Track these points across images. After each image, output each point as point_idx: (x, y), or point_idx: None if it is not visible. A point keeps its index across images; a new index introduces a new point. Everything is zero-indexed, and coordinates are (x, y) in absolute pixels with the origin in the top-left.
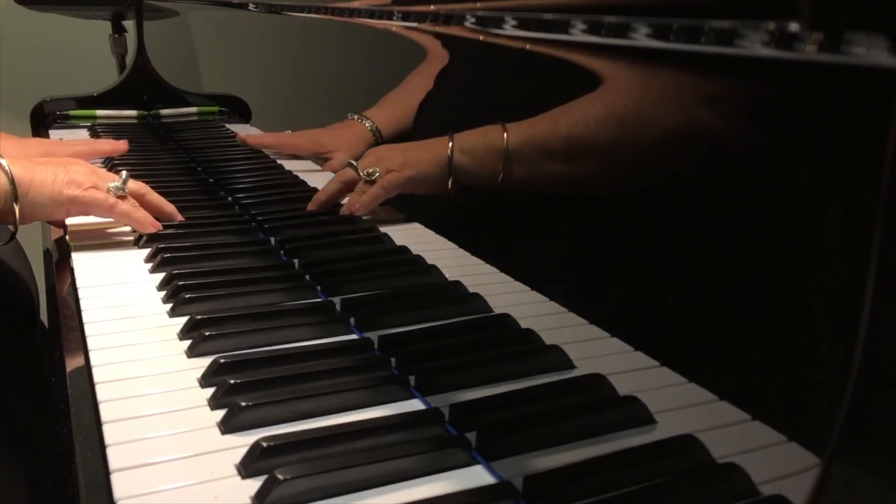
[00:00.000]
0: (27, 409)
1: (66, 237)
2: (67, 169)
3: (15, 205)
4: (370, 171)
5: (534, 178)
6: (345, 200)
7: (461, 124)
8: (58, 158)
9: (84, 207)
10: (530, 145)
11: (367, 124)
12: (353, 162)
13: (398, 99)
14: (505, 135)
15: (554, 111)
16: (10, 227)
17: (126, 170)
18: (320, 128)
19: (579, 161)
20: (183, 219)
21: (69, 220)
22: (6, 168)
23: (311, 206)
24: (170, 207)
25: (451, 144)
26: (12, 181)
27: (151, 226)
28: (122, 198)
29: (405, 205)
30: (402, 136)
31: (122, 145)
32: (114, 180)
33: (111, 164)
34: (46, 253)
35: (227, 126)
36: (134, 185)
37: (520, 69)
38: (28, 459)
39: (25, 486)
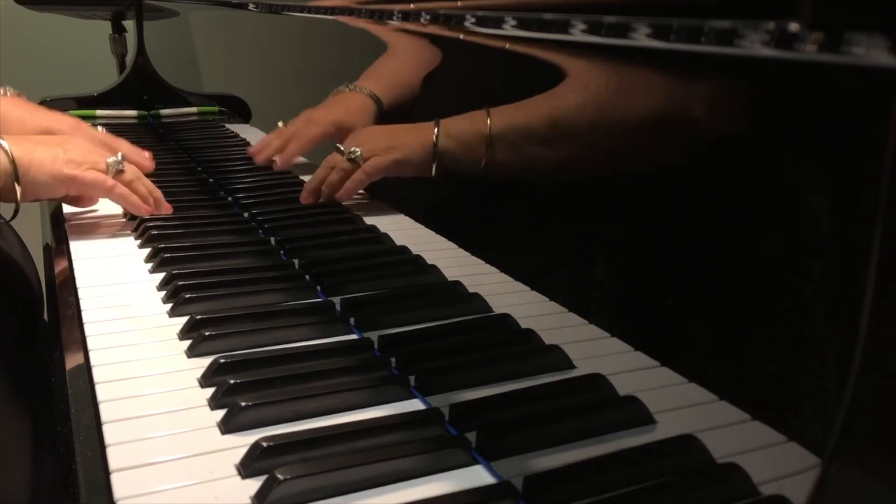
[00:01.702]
0: (30, 403)
1: (66, 230)
2: (65, 148)
3: (16, 184)
4: (352, 149)
5: (518, 163)
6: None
7: (451, 93)
8: (55, 137)
9: (83, 187)
10: (513, 129)
11: (362, 92)
12: (340, 146)
13: (388, 68)
14: (489, 120)
15: (540, 98)
16: (13, 205)
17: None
18: (313, 109)
19: (565, 148)
20: (171, 209)
21: (66, 210)
22: (7, 149)
23: (303, 197)
24: (151, 202)
25: (436, 130)
26: (13, 161)
27: (145, 210)
28: (121, 172)
29: (406, 204)
30: (400, 103)
31: (148, 162)
32: (111, 155)
33: None
34: (46, 248)
35: (227, 126)
36: (128, 169)
37: (515, 67)
38: (31, 451)
39: (27, 484)
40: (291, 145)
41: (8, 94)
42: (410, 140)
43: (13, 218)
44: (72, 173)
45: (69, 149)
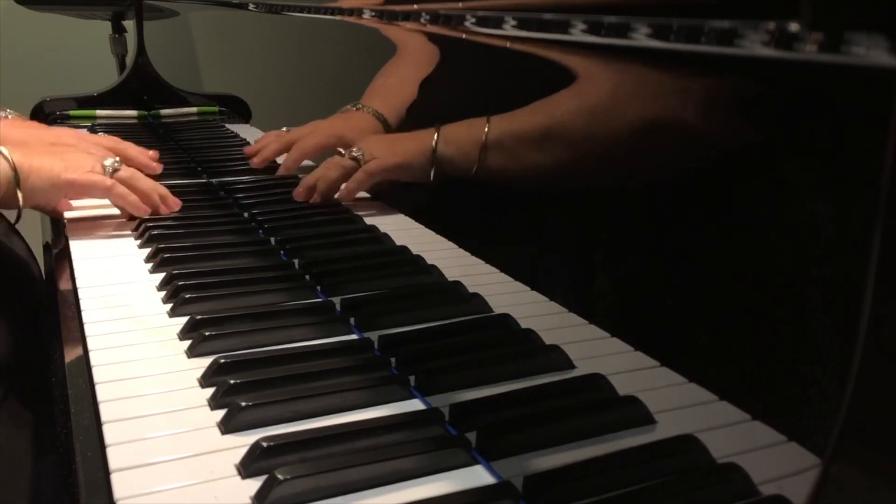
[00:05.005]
0: (30, 404)
1: (66, 230)
2: (64, 156)
3: (18, 190)
4: (354, 149)
5: (510, 167)
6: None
7: (450, 107)
8: (53, 146)
9: (82, 190)
10: (509, 134)
11: (368, 112)
12: (341, 149)
13: (391, 83)
14: (486, 127)
15: (542, 103)
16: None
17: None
18: (320, 120)
19: (564, 148)
20: (178, 206)
21: (67, 214)
22: (7, 156)
23: (297, 193)
24: (154, 198)
25: (436, 137)
26: (14, 168)
27: (143, 210)
28: (117, 171)
29: (406, 204)
30: (406, 118)
31: (153, 164)
32: (108, 157)
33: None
34: (46, 248)
35: (227, 126)
36: (125, 171)
37: (515, 68)
38: (31, 451)
39: (27, 484)
40: (294, 151)
41: (10, 116)
42: (411, 146)
43: (17, 222)
44: (69, 177)
45: (67, 157)
